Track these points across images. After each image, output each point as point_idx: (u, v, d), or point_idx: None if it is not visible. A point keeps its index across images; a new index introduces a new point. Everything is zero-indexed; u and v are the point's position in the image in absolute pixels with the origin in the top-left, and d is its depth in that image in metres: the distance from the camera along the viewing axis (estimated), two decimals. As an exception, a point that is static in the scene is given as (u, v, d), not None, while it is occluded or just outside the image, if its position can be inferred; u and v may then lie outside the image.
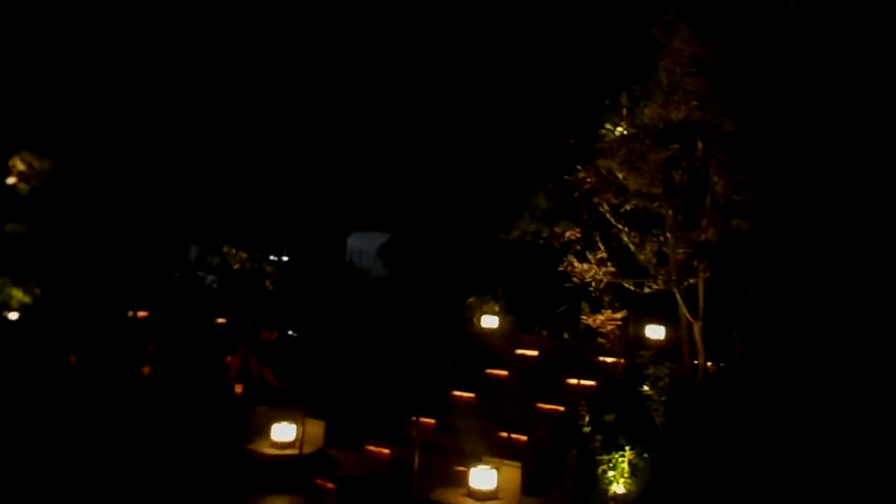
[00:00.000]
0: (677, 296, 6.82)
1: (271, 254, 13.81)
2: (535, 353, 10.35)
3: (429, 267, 12.50)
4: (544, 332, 10.48)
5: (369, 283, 14.07)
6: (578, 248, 7.49)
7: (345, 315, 11.67)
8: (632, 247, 6.86)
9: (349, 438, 8.23)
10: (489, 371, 9.97)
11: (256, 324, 10.99)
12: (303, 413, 8.27)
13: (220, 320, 12.62)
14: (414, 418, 8.22)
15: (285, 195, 15.63)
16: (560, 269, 7.54)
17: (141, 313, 12.86)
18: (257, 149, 15.52)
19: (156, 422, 9.22)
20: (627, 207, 6.90)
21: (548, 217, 11.60)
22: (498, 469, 6.64)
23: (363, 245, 17.12)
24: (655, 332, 9.48)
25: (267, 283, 12.01)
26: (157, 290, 13.60)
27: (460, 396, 9.35)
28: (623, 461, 6.06)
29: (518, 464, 6.65)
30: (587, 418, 6.42)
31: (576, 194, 7.25)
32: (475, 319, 11.29)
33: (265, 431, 8.28)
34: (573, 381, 9.08)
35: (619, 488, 6.15)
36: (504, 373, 9.86)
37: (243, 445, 8.20)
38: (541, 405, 8.61)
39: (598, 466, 6.14)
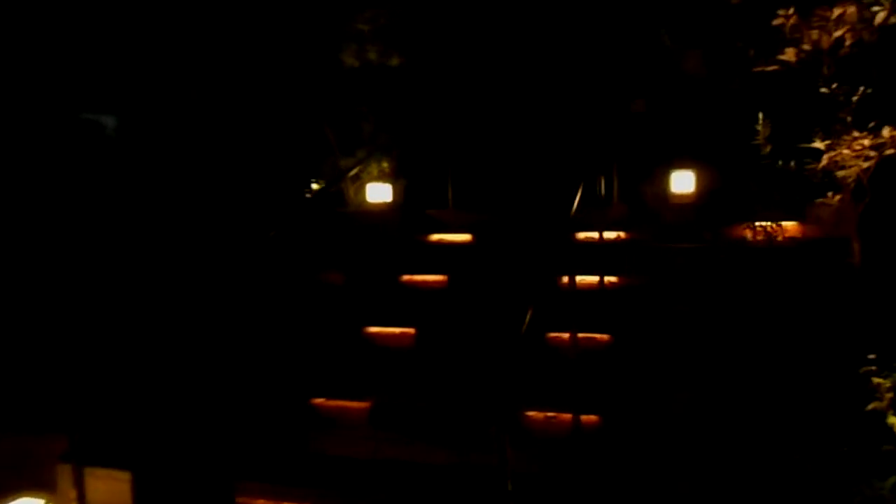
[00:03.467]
0: None
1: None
2: (466, 237, 6.29)
3: (249, 120, 7.31)
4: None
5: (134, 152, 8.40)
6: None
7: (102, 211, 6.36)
8: None
9: (197, 491, 3.58)
10: (408, 279, 5.72)
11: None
12: (67, 448, 3.43)
13: None
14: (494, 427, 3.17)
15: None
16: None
17: None
18: None
19: None
20: None
21: (382, 36, 7.04)
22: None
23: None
24: (683, 181, 5.90)
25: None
26: None
27: (383, 336, 5.03)
28: None
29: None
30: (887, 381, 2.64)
31: None
32: (353, 193, 6.76)
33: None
34: (587, 278, 5.23)
35: None
36: (435, 279, 5.67)
37: None
38: (552, 334, 4.66)
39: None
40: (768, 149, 3.85)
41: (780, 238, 5.50)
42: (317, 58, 6.77)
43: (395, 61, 6.71)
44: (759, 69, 3.59)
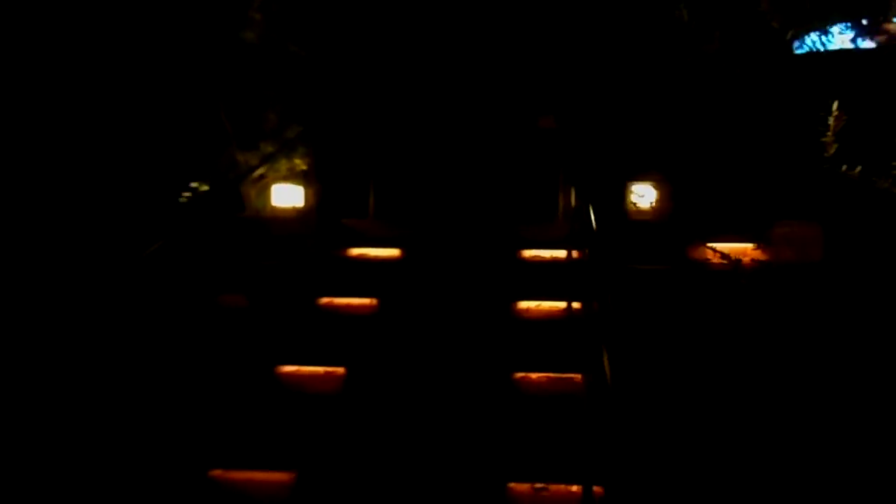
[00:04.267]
0: None
1: None
2: (394, 252, 5.30)
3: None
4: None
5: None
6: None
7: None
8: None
9: None
10: (328, 302, 4.64)
11: None
12: None
13: None
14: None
15: None
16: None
17: None
18: None
19: None
20: None
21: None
22: None
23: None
24: (643, 194, 5.21)
25: None
26: None
27: (302, 378, 3.92)
28: None
29: None
30: None
31: None
32: (255, 195, 5.57)
33: None
34: (543, 304, 4.40)
35: None
36: (362, 302, 4.63)
37: None
38: (519, 374, 3.76)
39: None
40: (834, 148, 3.18)
41: (746, 261, 5.00)
42: (215, 31, 5.55)
43: (292, 47, 5.63)
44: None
